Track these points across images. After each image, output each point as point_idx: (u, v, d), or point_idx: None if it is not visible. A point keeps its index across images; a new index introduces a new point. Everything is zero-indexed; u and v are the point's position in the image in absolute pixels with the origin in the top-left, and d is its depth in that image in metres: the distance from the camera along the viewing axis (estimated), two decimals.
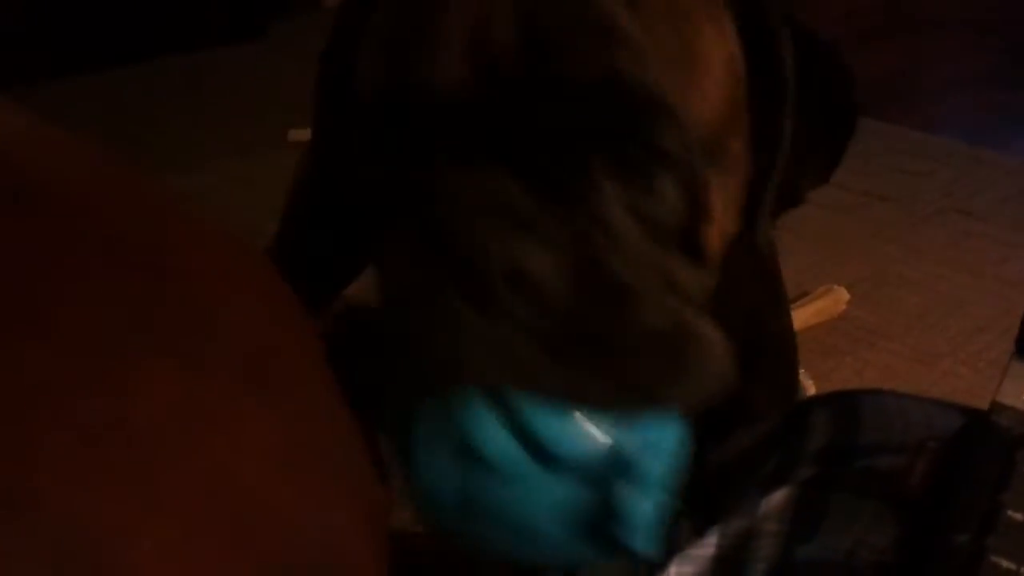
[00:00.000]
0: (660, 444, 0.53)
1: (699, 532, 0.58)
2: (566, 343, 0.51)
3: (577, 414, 0.51)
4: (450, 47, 0.56)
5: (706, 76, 0.60)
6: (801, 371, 1.07)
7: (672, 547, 0.55)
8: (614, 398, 0.52)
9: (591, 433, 0.51)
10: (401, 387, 0.53)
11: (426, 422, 0.53)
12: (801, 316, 1.40)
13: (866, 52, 2.36)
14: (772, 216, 0.67)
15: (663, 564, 0.57)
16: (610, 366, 0.52)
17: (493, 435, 0.50)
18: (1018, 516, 0.46)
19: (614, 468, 0.52)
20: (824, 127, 0.67)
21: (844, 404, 0.64)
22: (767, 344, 0.78)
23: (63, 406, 0.33)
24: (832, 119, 0.68)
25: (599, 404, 0.52)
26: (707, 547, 0.58)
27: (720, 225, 0.62)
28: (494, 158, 0.55)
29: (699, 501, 0.60)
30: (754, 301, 0.75)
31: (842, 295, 1.47)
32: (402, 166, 0.58)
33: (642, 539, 0.52)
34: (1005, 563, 0.44)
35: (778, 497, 0.59)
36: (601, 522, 0.52)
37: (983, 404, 0.59)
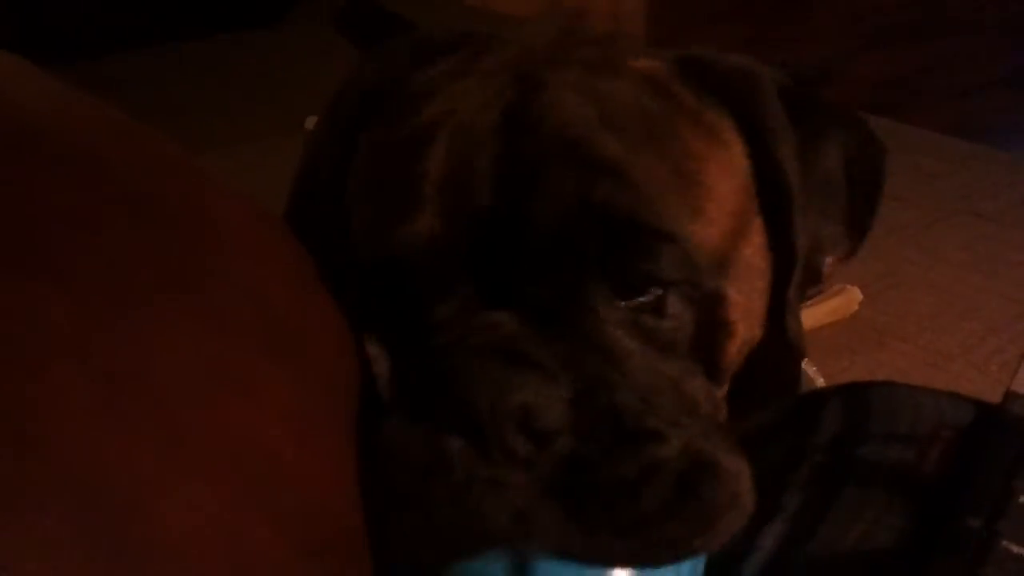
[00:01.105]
0: (681, 570, 0.51)
1: None
2: (582, 491, 0.48)
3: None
4: (426, 187, 0.55)
5: (704, 193, 0.58)
6: (814, 369, 1.07)
7: None
8: (641, 555, 0.49)
9: None
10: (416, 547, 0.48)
11: None
12: (814, 315, 1.40)
13: (893, 52, 2.35)
14: (798, 300, 0.65)
15: None
16: (631, 519, 0.48)
17: None
18: None
19: None
20: (847, 202, 0.66)
21: (855, 395, 0.64)
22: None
23: (82, 353, 0.33)
24: (855, 193, 0.66)
25: (626, 563, 0.49)
26: None
27: (741, 337, 0.61)
28: (486, 295, 0.54)
29: None
30: (775, 377, 0.72)
31: (855, 295, 1.46)
32: (398, 312, 0.56)
33: None
34: (1016, 548, 0.44)
35: (787, 490, 0.59)
36: None
37: None
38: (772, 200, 0.62)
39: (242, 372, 0.38)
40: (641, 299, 0.55)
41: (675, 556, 0.49)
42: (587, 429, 0.49)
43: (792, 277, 0.62)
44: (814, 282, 0.66)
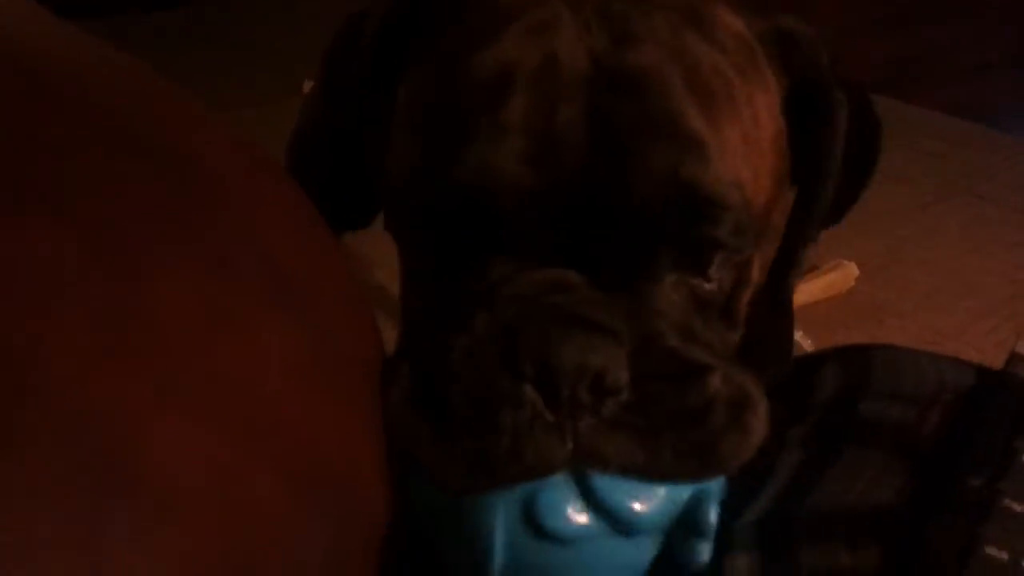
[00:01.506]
0: (711, 493, 0.55)
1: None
2: (644, 423, 0.52)
3: (650, 488, 0.53)
4: (510, 137, 0.54)
5: (762, 163, 0.60)
6: (800, 333, 1.07)
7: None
8: (698, 472, 0.54)
9: (663, 498, 0.53)
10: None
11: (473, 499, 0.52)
12: (810, 290, 1.40)
13: (896, 33, 2.34)
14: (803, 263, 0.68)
15: None
16: (686, 439, 0.53)
17: (564, 511, 0.51)
18: None
19: (679, 524, 0.54)
20: (848, 175, 0.67)
21: (855, 356, 0.64)
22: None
23: (80, 291, 0.32)
24: (855, 166, 0.68)
25: (686, 480, 0.54)
26: None
27: (754, 287, 0.63)
28: (558, 251, 0.55)
29: None
30: (769, 336, 0.74)
31: (852, 271, 1.46)
32: (451, 257, 0.57)
33: None
34: (1017, 507, 0.44)
35: (786, 448, 0.59)
36: (661, 573, 0.55)
37: None
38: (809, 167, 0.65)
39: (241, 316, 0.37)
40: (697, 268, 0.58)
41: (723, 471, 0.55)
42: (649, 376, 0.53)
43: (807, 239, 0.66)
44: (805, 243, 0.69)
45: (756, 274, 0.63)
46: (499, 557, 0.51)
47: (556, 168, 0.53)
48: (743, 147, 0.58)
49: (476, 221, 0.55)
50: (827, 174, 0.64)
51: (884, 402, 0.57)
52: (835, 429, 0.58)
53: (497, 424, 0.50)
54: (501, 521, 0.51)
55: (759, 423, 0.56)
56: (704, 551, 0.54)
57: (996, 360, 0.68)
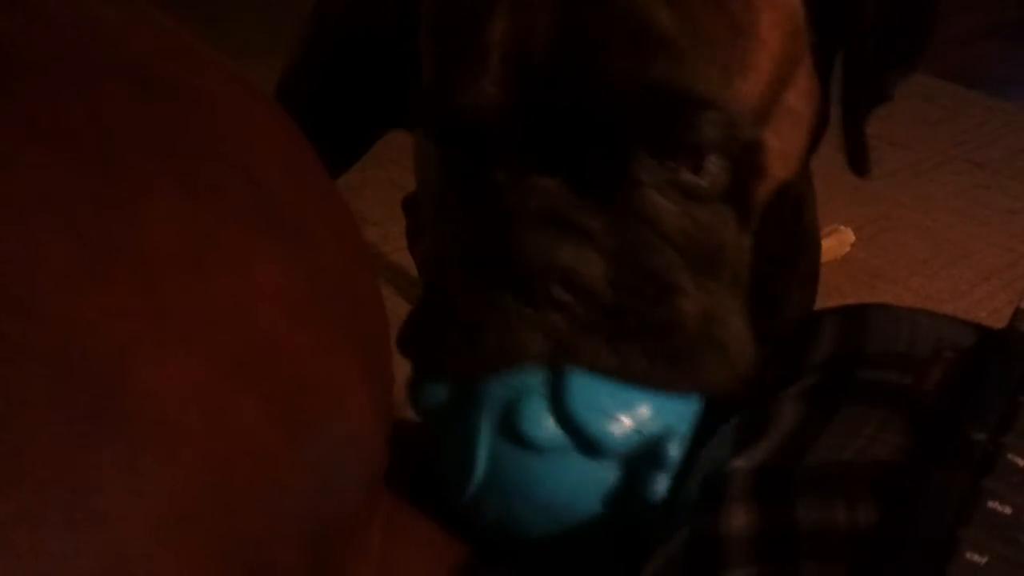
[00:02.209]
0: (679, 430, 0.57)
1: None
2: (615, 329, 0.55)
3: (620, 414, 0.56)
4: (491, 53, 0.56)
5: (758, 49, 0.58)
6: None
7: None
8: (662, 378, 0.56)
9: (629, 428, 0.56)
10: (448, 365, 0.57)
11: (464, 398, 0.57)
12: None
13: None
14: (863, 120, 0.66)
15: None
16: (657, 348, 0.56)
17: (540, 419, 0.55)
18: None
19: (643, 455, 0.56)
20: (892, 33, 0.63)
21: (852, 315, 0.63)
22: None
23: (67, 213, 0.31)
24: (903, 19, 0.64)
25: (648, 383, 0.56)
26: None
27: (775, 179, 0.61)
28: (539, 161, 0.57)
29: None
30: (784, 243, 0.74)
31: (848, 236, 1.46)
32: (452, 166, 0.60)
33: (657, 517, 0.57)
34: (1021, 461, 0.43)
35: (783, 403, 0.58)
36: (623, 501, 0.57)
37: None
38: (834, 31, 0.62)
39: (233, 249, 0.36)
40: (684, 165, 0.57)
41: (700, 385, 0.58)
42: (622, 285, 0.55)
43: (856, 117, 0.64)
44: (881, 100, 0.66)
45: (775, 165, 0.61)
46: (481, 465, 0.56)
47: (533, 82, 0.56)
48: (730, 36, 0.57)
49: (469, 138, 0.58)
50: (858, 32, 0.62)
51: (883, 360, 0.56)
52: (834, 387, 0.57)
53: (482, 323, 0.55)
54: (485, 429, 0.55)
55: (734, 341, 0.59)
56: (661, 485, 0.56)
57: (993, 326, 0.67)
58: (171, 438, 0.31)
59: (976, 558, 0.40)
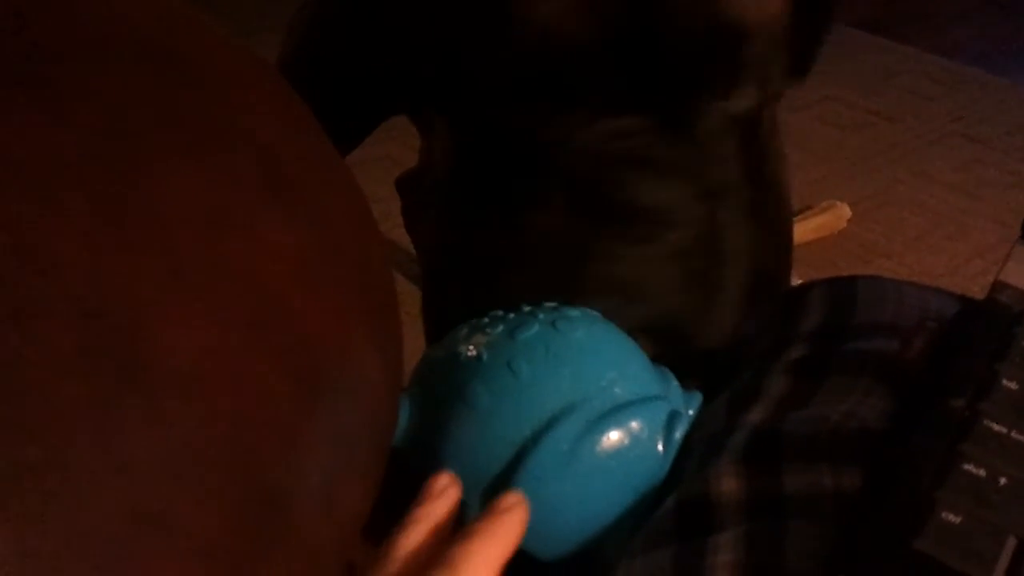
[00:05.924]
0: (682, 416, 0.57)
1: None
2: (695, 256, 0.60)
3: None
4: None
5: None
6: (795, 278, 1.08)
7: None
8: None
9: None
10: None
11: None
12: (802, 230, 1.40)
13: None
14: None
15: None
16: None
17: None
18: (1013, 385, 0.47)
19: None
20: None
21: (840, 286, 0.64)
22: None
23: (84, 180, 0.33)
24: None
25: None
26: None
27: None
28: (614, 103, 0.58)
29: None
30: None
31: (844, 212, 1.47)
32: (514, 120, 0.61)
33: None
34: (997, 427, 0.45)
35: (772, 376, 0.60)
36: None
37: None
38: None
39: (244, 216, 0.38)
40: (733, 95, 0.60)
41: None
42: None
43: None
44: None
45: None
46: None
47: (606, 19, 0.57)
48: None
49: (538, 80, 0.59)
50: None
51: (869, 330, 0.58)
52: (822, 359, 0.59)
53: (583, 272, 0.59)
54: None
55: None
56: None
57: None
58: (189, 391, 0.32)
59: (951, 518, 0.41)
